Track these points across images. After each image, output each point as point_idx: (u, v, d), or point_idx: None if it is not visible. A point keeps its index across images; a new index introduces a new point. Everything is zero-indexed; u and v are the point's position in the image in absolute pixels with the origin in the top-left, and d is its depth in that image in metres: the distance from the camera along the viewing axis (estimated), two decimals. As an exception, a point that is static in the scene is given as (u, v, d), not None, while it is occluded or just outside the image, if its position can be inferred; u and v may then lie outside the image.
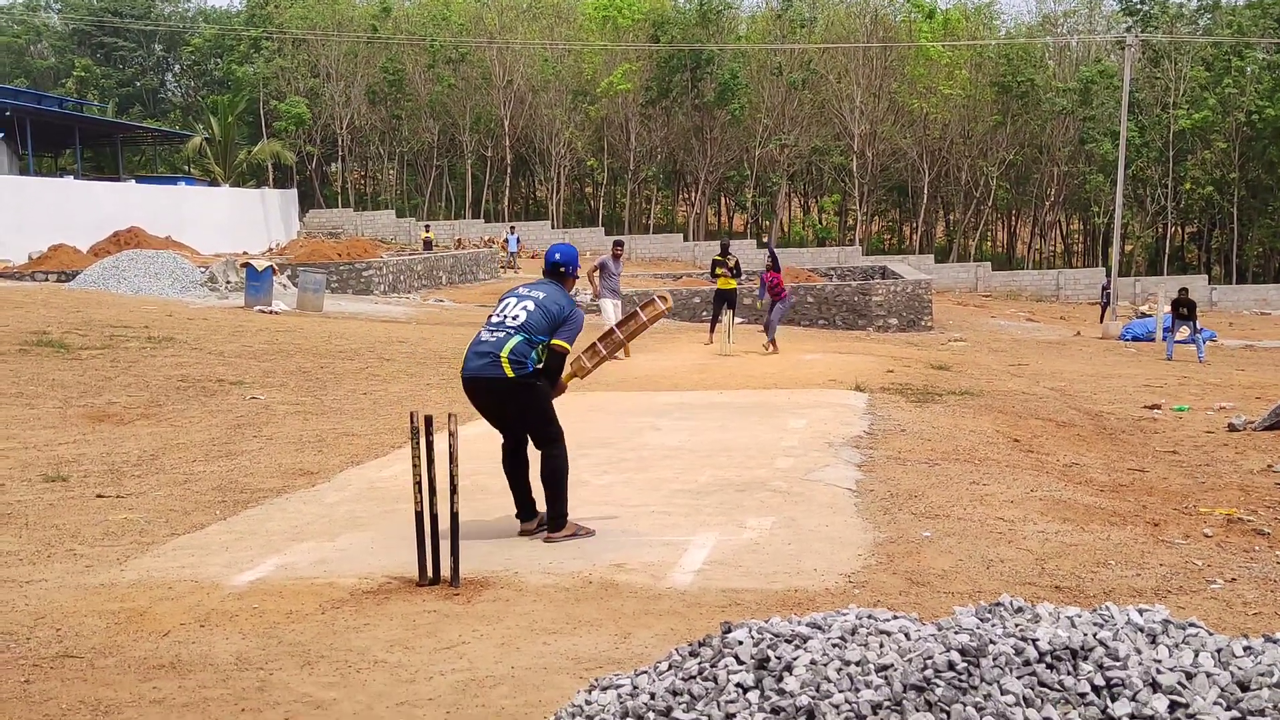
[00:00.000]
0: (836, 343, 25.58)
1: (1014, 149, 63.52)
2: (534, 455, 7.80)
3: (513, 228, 58.06)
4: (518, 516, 7.95)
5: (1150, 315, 36.12)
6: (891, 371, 17.85)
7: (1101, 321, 37.76)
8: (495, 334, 7.52)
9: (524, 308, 7.56)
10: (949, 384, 16.84)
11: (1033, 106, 62.58)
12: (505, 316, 7.56)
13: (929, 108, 62.65)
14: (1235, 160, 59.17)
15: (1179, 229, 66.81)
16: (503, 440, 7.87)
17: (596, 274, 20.21)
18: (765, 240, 26.24)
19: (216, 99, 69.88)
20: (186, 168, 71.53)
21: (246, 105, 69.50)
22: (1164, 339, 28.79)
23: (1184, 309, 28.12)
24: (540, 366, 7.51)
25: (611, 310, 19.96)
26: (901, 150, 64.74)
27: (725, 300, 22.59)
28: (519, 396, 7.51)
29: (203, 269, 33.45)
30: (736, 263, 23.36)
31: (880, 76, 64.11)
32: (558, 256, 7.95)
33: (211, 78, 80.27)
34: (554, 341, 7.50)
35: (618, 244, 21.66)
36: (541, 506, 7.85)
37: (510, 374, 7.38)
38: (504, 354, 7.39)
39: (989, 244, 74.19)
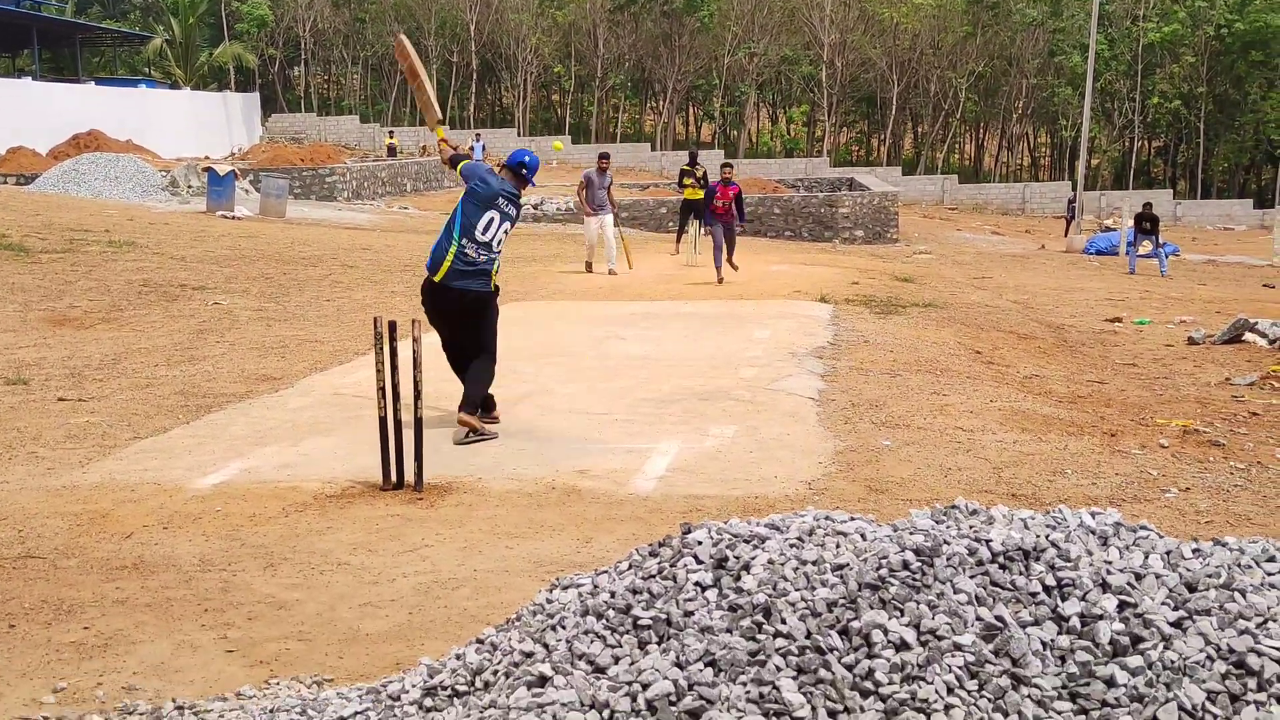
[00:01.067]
0: (803, 254, 25.59)
1: (983, 61, 63.19)
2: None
3: (478, 135, 57.42)
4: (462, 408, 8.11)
5: (1115, 229, 36.22)
6: (856, 283, 17.90)
7: (1066, 235, 37.87)
8: (485, 254, 7.97)
9: (504, 230, 8.04)
10: (913, 296, 16.91)
11: (1003, 18, 62.22)
12: (493, 239, 7.99)
13: (899, 17, 62.13)
14: (1203, 75, 59.14)
15: (1146, 143, 66.91)
16: (447, 348, 8.40)
17: (583, 191, 19.20)
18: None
19: (177, 0, 68.55)
20: (147, 70, 70.21)
21: (208, 6, 68.16)
22: (1127, 253, 28.88)
23: (1147, 224, 28.18)
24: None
25: (595, 228, 19.11)
26: (871, 61, 64.29)
27: (692, 210, 22.35)
28: (490, 308, 8.17)
29: (164, 173, 33.05)
30: (704, 173, 23.18)
31: (851, -15, 63.50)
32: (526, 159, 8.35)
33: (171, -23, 78.73)
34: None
35: (603, 156, 20.19)
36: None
37: (492, 289, 8.11)
38: (494, 273, 8.08)
39: (956, 157, 74.06)
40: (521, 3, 66.16)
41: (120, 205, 26.69)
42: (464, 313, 8.08)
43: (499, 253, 8.06)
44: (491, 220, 7.97)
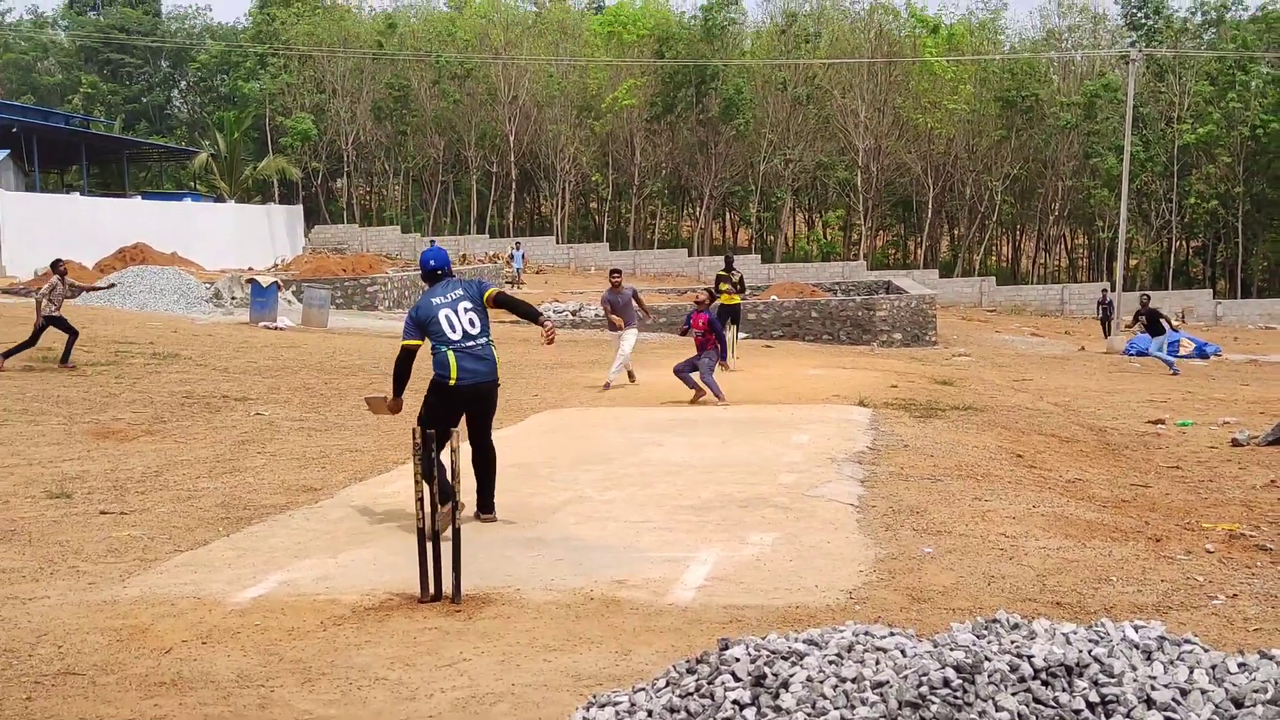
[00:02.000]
0: (840, 358, 25.58)
1: (1018, 163, 63.54)
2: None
3: (518, 243, 57.99)
4: (482, 510, 8.66)
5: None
6: (895, 387, 17.85)
7: (1105, 336, 37.70)
8: (478, 341, 8.41)
9: (466, 311, 8.41)
10: (952, 399, 16.84)
11: (1037, 121, 62.66)
12: (464, 332, 8.37)
13: (933, 122, 62.68)
14: (1240, 174, 59.22)
15: (1184, 243, 66.81)
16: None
17: (608, 308, 18.25)
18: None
19: (222, 115, 70.03)
20: (192, 184, 71.58)
21: (252, 121, 69.65)
22: (1158, 355, 28.37)
23: (1143, 318, 27.34)
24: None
25: (630, 342, 18.01)
26: (906, 165, 64.76)
27: (729, 315, 22.41)
28: (496, 395, 8.70)
29: (208, 285, 33.54)
30: (741, 278, 23.32)
31: (885, 91, 64.13)
32: (432, 262, 8.71)
33: (217, 94, 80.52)
34: (489, 294, 8.56)
35: (614, 272, 19.08)
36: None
37: (497, 376, 8.58)
38: (496, 359, 8.52)
39: (993, 259, 74.17)
40: (560, 114, 67.22)
41: (165, 317, 27.09)
42: (476, 405, 8.52)
43: (488, 335, 8.48)
44: (453, 321, 8.37)
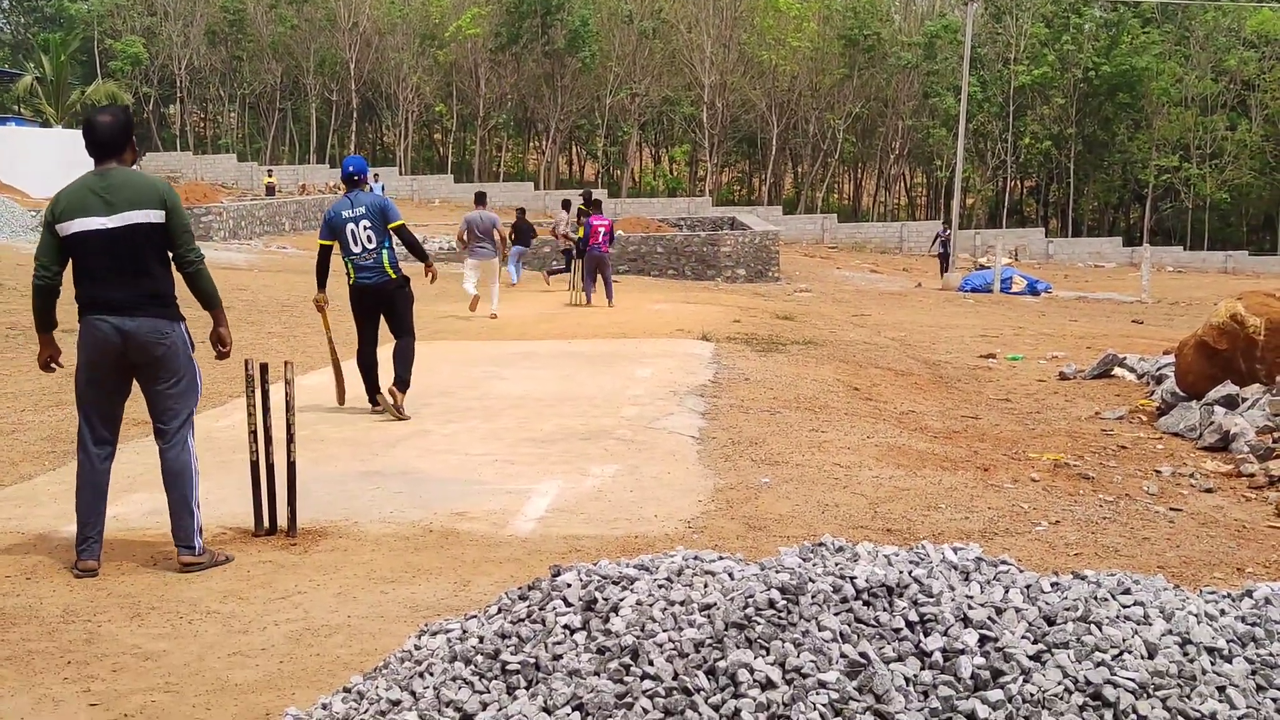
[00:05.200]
0: (685, 293, 25.77)
1: (860, 102, 64.45)
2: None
3: (376, 175, 56.83)
4: (397, 386, 10.00)
5: (989, 267, 37.06)
6: (738, 321, 18.05)
7: (943, 274, 38.62)
8: (368, 256, 9.88)
9: (365, 228, 9.85)
10: (793, 334, 17.10)
11: (879, 60, 63.55)
12: (363, 246, 9.87)
13: (778, 59, 63.13)
14: (1072, 116, 60.97)
15: (1018, 183, 68.67)
16: (360, 346, 10.18)
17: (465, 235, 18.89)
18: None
19: (48, 37, 67.09)
20: (16, 107, 68.59)
21: (80, 44, 66.95)
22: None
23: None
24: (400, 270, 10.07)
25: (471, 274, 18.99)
26: (751, 102, 65.15)
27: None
28: (398, 295, 10.06)
29: (34, 212, 32.31)
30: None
31: (730, 27, 64.32)
32: (351, 168, 10.15)
33: (42, 14, 76.97)
34: (392, 225, 9.93)
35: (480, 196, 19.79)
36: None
37: (393, 275, 9.96)
38: (385, 266, 9.91)
39: (836, 196, 75.30)
40: (402, 42, 66.00)
41: (-13, 246, 25.99)
42: (378, 303, 10.05)
43: (382, 247, 9.90)
44: (354, 234, 9.86)
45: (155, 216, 5.86)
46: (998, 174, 63.83)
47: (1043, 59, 59.93)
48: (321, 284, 10.27)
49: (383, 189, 53.00)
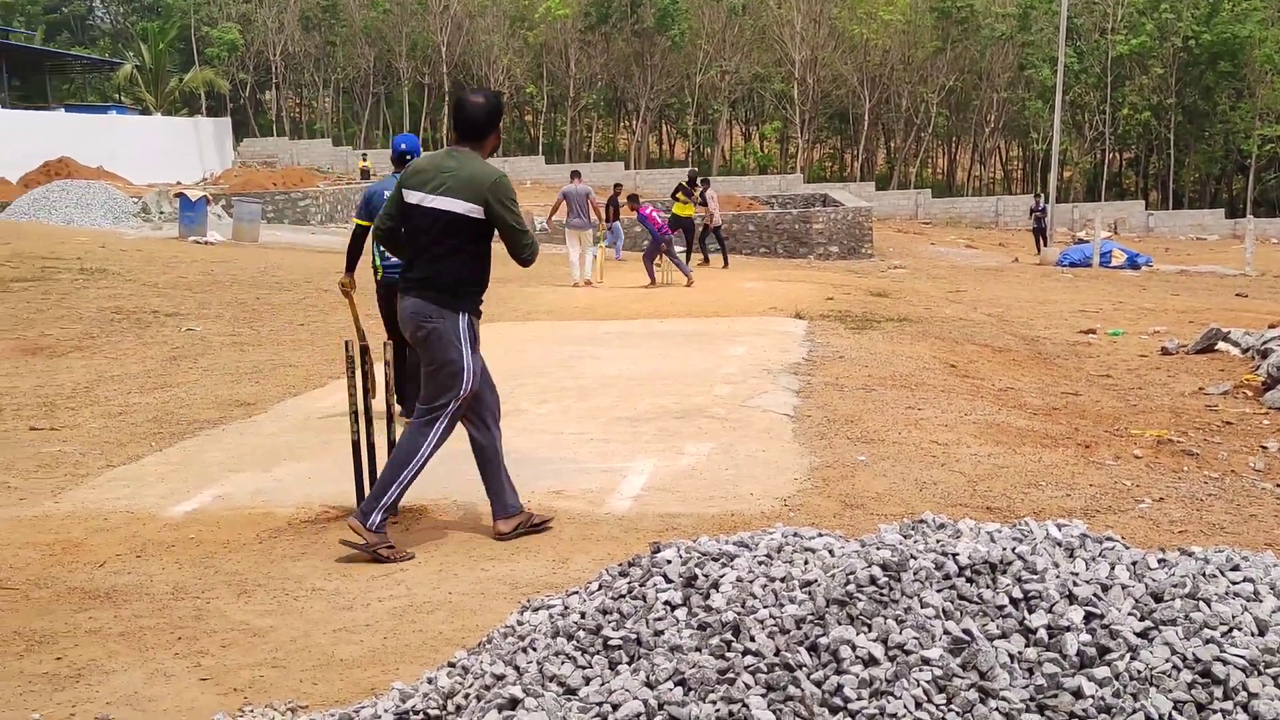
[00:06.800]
0: (777, 270, 25.67)
1: (954, 75, 63.58)
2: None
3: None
4: (404, 414, 8.23)
5: (1088, 241, 36.45)
6: (831, 299, 17.95)
7: (1039, 249, 38.05)
8: None
9: None
10: (887, 310, 16.97)
11: (972, 32, 62.62)
12: None
13: (869, 34, 62.46)
14: (1172, 86, 59.63)
15: (1117, 155, 67.37)
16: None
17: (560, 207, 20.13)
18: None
19: (147, 25, 68.45)
20: (117, 96, 70.08)
21: (178, 32, 68.15)
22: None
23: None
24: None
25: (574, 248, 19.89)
26: (842, 77, 64.60)
27: (681, 226, 22.91)
28: None
29: (135, 199, 32.98)
30: (701, 195, 23.89)
31: (820, 2, 63.78)
32: (403, 146, 9.13)
33: (141, 4, 78.51)
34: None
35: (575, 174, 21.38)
36: None
37: None
38: None
39: (929, 171, 74.46)
40: (493, 24, 66.31)
41: (91, 232, 26.61)
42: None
43: None
44: None
45: (473, 211, 5.89)
46: (1095, 146, 62.67)
47: (1141, 28, 58.65)
48: (351, 266, 8.97)
49: None
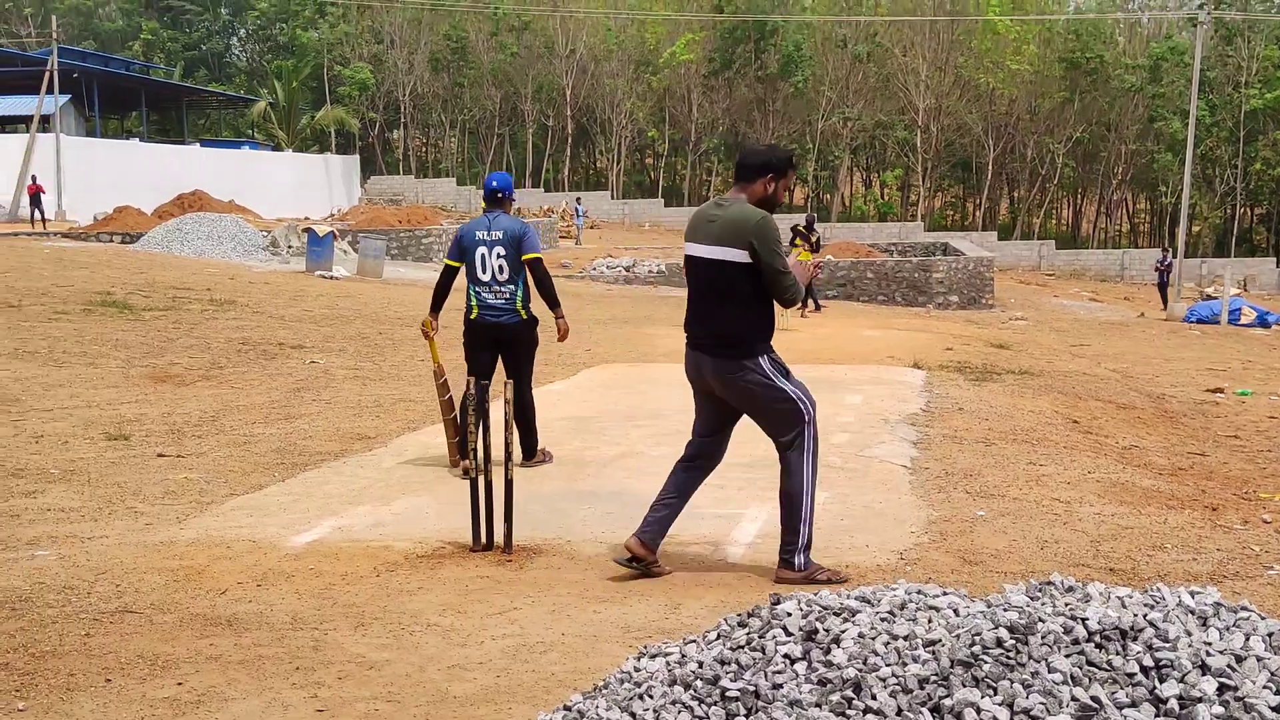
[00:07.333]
0: (896, 319, 25.44)
1: (1081, 126, 62.70)
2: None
3: (579, 199, 58.00)
4: (525, 458, 8.81)
5: (1215, 297, 35.58)
6: (950, 349, 17.74)
7: (1165, 305, 37.22)
8: (497, 289, 8.64)
9: (499, 256, 8.58)
10: (1008, 363, 16.72)
11: (1101, 83, 61.76)
12: (493, 275, 8.62)
13: (995, 83, 61.92)
14: (1307, 141, 58.17)
15: (1248, 210, 65.78)
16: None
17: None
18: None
19: (281, 64, 70.40)
20: (251, 132, 72.06)
21: (310, 71, 69.94)
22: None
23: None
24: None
25: None
26: (966, 125, 64.08)
27: None
28: (521, 337, 8.75)
29: (265, 233, 33.78)
30: (818, 238, 23.77)
31: (946, 50, 63.44)
32: (495, 183, 8.88)
33: (276, 43, 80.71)
34: (526, 258, 8.64)
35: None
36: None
37: (524, 315, 8.70)
38: (518, 305, 8.67)
39: (1053, 222, 73.38)
40: (618, 68, 67.00)
41: (222, 264, 27.33)
42: (498, 345, 8.73)
43: (515, 281, 8.65)
44: (482, 258, 8.60)
45: (739, 256, 5.91)
46: (1226, 200, 61.28)
47: (1276, 82, 57.34)
48: (436, 308, 8.94)
49: (584, 211, 54.10)
